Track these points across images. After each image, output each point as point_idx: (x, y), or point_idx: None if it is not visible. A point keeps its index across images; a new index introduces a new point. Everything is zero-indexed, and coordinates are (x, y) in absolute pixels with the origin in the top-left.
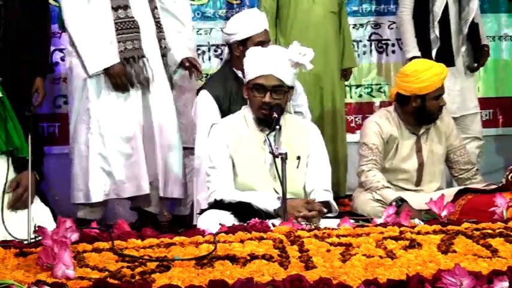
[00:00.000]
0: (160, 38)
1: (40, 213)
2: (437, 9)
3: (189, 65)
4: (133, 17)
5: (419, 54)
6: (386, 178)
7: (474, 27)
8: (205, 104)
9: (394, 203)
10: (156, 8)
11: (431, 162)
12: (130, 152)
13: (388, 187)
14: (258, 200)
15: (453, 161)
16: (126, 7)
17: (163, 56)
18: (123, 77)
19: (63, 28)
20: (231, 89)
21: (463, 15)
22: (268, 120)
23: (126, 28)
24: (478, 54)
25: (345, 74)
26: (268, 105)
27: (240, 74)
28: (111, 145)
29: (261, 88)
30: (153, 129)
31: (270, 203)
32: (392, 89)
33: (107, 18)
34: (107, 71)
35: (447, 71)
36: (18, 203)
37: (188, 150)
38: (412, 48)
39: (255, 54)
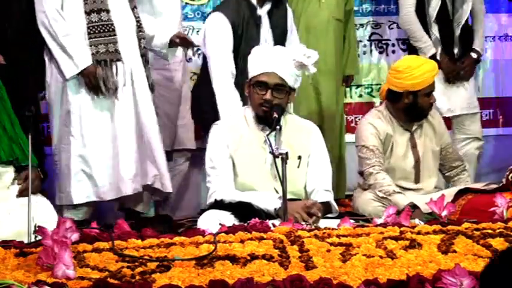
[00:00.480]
0: (141, 38)
1: (43, 209)
2: (432, 10)
3: (180, 40)
4: (108, 20)
5: (439, 50)
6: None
7: (468, 30)
8: (220, 28)
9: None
10: (135, 7)
11: (428, 157)
12: (113, 153)
13: (399, 192)
14: (259, 199)
15: (445, 158)
16: (100, 10)
17: (143, 55)
18: (95, 78)
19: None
20: (244, 15)
21: (456, 17)
22: (268, 118)
23: (99, 32)
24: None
25: (347, 80)
26: (269, 103)
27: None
28: (92, 147)
29: (263, 85)
30: (141, 129)
31: (271, 203)
32: (383, 86)
33: (80, 22)
34: (81, 72)
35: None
36: (26, 191)
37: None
38: (431, 46)
39: (259, 52)
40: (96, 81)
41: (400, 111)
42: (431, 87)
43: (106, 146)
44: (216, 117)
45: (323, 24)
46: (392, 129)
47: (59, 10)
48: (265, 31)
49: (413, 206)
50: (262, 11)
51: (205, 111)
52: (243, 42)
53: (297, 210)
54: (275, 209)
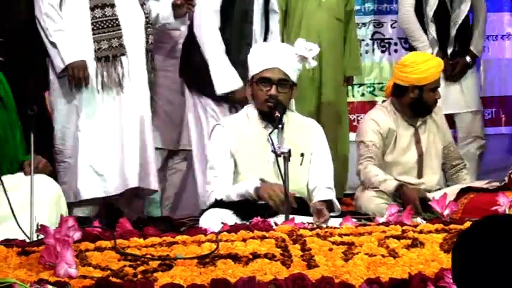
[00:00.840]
0: (149, 34)
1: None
2: (429, 10)
3: (181, 1)
4: (113, 15)
5: (435, 50)
6: (388, 172)
7: (466, 29)
8: None
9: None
10: (144, 3)
11: (431, 153)
12: (119, 147)
13: (385, 179)
14: (242, 187)
15: (446, 157)
16: (105, 6)
17: (150, 51)
18: (80, 72)
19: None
20: None
21: (453, 17)
22: (273, 115)
23: (103, 27)
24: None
25: (347, 80)
26: (274, 98)
27: None
28: (100, 142)
29: (267, 81)
30: (137, 125)
31: (251, 184)
32: (387, 83)
33: (84, 18)
34: (67, 66)
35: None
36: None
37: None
38: (428, 45)
39: (260, 49)
40: (80, 74)
41: (405, 106)
42: (437, 82)
43: (113, 140)
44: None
45: (323, 23)
46: (396, 123)
47: (54, 6)
48: None
49: (401, 186)
50: None
51: (196, 63)
52: None
53: (278, 194)
54: (256, 188)
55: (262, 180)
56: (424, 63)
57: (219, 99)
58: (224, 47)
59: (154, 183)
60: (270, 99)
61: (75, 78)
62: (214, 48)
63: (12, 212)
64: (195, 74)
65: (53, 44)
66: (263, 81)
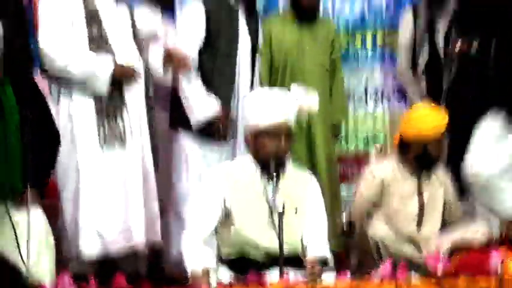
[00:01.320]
0: (149, 85)
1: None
2: (421, 63)
3: (170, 57)
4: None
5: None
6: (387, 222)
7: None
8: (193, 16)
9: None
10: (144, 48)
11: (433, 206)
12: (124, 206)
13: None
14: (189, 260)
15: (447, 214)
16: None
17: (150, 97)
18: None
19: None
20: (222, 10)
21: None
22: (279, 165)
23: None
24: None
25: (334, 127)
26: (283, 151)
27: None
28: (102, 201)
29: (276, 134)
30: (140, 179)
31: (192, 267)
32: (395, 136)
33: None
34: (113, 72)
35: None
36: None
37: None
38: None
39: (264, 99)
40: (128, 67)
41: (410, 160)
42: (442, 136)
43: (116, 197)
44: None
45: (308, 71)
46: (399, 174)
47: (57, 41)
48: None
49: None
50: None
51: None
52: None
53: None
54: (191, 272)
55: (194, 274)
56: (426, 120)
57: (204, 139)
58: (200, 82)
59: (159, 236)
60: (278, 152)
61: (128, 73)
62: (187, 82)
63: (21, 256)
64: (182, 113)
65: (90, 78)
66: (270, 134)
